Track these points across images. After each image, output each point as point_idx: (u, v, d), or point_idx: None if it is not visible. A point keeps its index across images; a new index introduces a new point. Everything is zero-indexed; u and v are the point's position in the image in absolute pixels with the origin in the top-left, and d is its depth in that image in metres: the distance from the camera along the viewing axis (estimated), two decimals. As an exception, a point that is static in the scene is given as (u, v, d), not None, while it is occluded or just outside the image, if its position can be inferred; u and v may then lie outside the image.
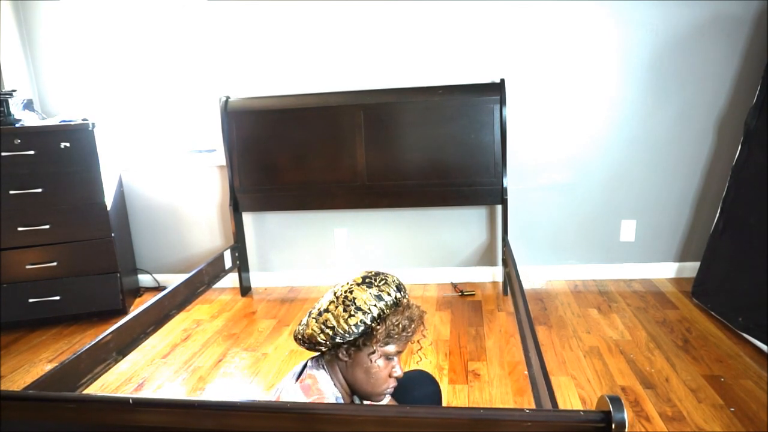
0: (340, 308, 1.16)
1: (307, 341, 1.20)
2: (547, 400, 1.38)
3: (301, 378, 1.20)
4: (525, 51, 3.01)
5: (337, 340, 1.16)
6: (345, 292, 1.18)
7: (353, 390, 1.24)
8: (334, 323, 1.15)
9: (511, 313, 2.84)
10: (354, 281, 1.21)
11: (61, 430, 0.90)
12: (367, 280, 1.20)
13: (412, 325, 1.20)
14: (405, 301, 1.21)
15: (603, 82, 3.00)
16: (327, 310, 1.17)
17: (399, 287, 1.22)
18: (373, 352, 1.18)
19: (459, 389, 2.17)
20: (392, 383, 1.24)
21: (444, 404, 2.05)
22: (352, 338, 1.15)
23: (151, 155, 3.40)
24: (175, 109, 3.36)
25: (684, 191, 3.10)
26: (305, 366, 1.24)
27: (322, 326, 1.16)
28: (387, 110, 3.02)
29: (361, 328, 1.15)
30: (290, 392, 1.18)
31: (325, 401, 1.11)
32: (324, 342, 1.17)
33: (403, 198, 3.13)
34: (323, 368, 1.22)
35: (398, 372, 1.22)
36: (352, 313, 1.15)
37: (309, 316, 1.22)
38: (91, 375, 1.80)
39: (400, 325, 1.17)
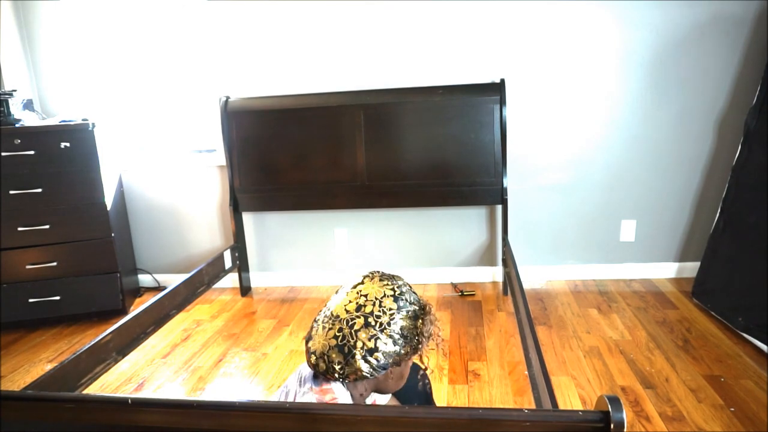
0: (390, 343, 1.11)
1: (345, 376, 1.12)
2: (547, 400, 1.38)
3: (319, 389, 1.14)
4: (525, 51, 3.01)
5: (384, 370, 1.14)
6: (388, 324, 1.11)
7: (377, 391, 1.24)
8: (387, 360, 1.12)
9: (511, 313, 2.84)
10: (387, 307, 1.13)
11: (60, 430, 0.90)
12: (401, 304, 1.14)
13: (434, 324, 1.21)
14: (425, 304, 1.20)
15: (603, 82, 3.00)
16: (377, 349, 1.10)
17: (413, 291, 1.21)
18: (410, 360, 1.19)
19: (459, 389, 2.17)
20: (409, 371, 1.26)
21: (444, 404, 2.05)
22: (398, 362, 1.15)
23: (151, 155, 3.40)
24: (175, 109, 3.36)
25: (684, 191, 3.10)
26: (314, 376, 1.18)
27: (375, 365, 1.11)
28: (387, 110, 3.02)
29: (407, 350, 1.14)
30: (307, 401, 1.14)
31: None
32: (373, 375, 1.13)
33: (403, 198, 3.13)
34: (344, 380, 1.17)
35: (421, 364, 1.26)
36: (401, 344, 1.12)
37: (346, 354, 1.10)
38: (91, 375, 1.80)
39: (431, 331, 1.18)
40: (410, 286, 1.22)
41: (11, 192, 2.81)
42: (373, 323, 1.10)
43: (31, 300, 2.90)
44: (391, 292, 1.15)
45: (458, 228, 3.28)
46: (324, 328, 1.14)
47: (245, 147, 3.15)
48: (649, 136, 3.04)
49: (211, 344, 2.70)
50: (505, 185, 3.02)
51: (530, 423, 0.78)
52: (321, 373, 1.14)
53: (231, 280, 3.44)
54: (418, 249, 3.35)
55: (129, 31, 3.25)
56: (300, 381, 1.21)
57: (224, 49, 3.16)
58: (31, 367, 2.56)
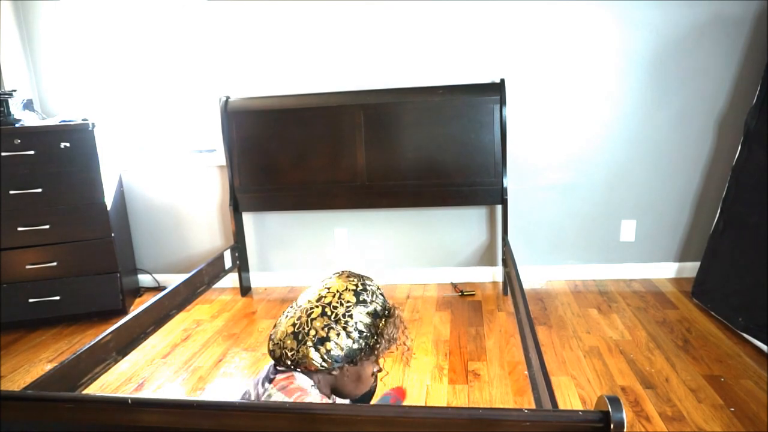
0: (343, 335, 1.11)
1: (296, 364, 1.13)
2: (547, 400, 1.38)
3: (275, 381, 1.14)
4: (525, 51, 3.01)
5: (337, 364, 1.13)
6: (343, 315, 1.12)
7: (336, 393, 1.23)
8: (339, 352, 1.11)
9: (511, 313, 2.84)
10: (345, 300, 1.14)
11: (60, 430, 0.90)
12: (361, 299, 1.15)
13: (399, 329, 1.21)
14: (390, 307, 1.21)
15: (603, 82, 3.00)
16: (328, 338, 1.11)
17: (381, 293, 1.21)
18: (368, 363, 1.19)
19: (459, 389, 2.17)
20: (374, 380, 1.25)
21: (444, 404, 2.05)
22: (351, 359, 1.15)
23: (151, 155, 3.40)
24: (175, 109, 3.36)
25: (684, 191, 3.10)
26: (274, 369, 1.18)
27: (325, 356, 1.11)
28: (387, 110, 3.02)
29: (362, 349, 1.15)
30: (270, 398, 1.13)
31: (309, 397, 1.09)
32: (324, 367, 1.13)
33: (403, 198, 3.13)
34: (296, 369, 1.16)
35: (378, 367, 1.24)
36: (356, 339, 1.13)
37: (299, 341, 1.12)
38: (91, 375, 1.80)
39: (394, 335, 1.18)
40: (379, 288, 1.22)
41: (11, 192, 2.81)
42: (329, 313, 1.13)
43: (31, 300, 2.90)
44: (353, 287, 1.17)
45: (458, 228, 3.28)
46: (287, 317, 1.18)
47: (245, 147, 3.15)
48: (649, 136, 3.04)
49: (211, 344, 2.70)
50: (505, 185, 3.02)
51: (530, 423, 0.78)
52: (276, 360, 1.16)
53: (231, 280, 3.44)
54: (418, 249, 3.35)
55: (129, 31, 3.25)
56: (259, 382, 1.18)
57: (224, 49, 3.16)
58: (31, 367, 2.56)
